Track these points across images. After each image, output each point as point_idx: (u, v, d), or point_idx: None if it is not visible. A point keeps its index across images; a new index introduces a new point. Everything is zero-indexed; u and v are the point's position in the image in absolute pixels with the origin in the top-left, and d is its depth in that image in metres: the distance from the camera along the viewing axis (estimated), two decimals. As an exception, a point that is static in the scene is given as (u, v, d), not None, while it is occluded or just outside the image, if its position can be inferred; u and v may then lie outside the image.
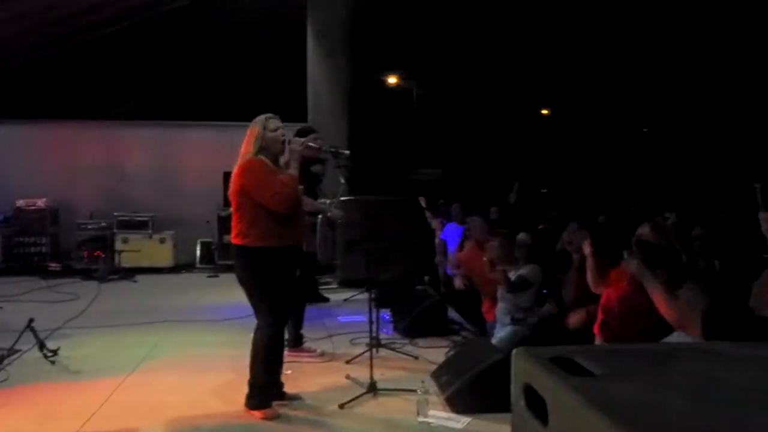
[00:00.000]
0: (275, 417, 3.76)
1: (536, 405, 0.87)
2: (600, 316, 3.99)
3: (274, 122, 3.89)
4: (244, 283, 3.82)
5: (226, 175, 10.17)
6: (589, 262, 4.35)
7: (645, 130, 27.61)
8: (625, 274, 3.95)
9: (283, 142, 3.86)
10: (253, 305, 3.85)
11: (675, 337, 3.31)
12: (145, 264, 9.81)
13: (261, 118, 3.90)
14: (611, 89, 23.41)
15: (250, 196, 3.73)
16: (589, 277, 4.38)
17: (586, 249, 4.39)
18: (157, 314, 6.58)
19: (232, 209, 3.88)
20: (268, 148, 3.83)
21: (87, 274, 9.30)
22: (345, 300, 7.49)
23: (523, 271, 5.22)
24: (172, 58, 19.16)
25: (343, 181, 5.33)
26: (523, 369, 0.91)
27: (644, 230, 4.16)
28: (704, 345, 1.39)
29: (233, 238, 3.84)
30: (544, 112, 28.69)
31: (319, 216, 5.03)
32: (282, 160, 3.86)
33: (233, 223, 3.85)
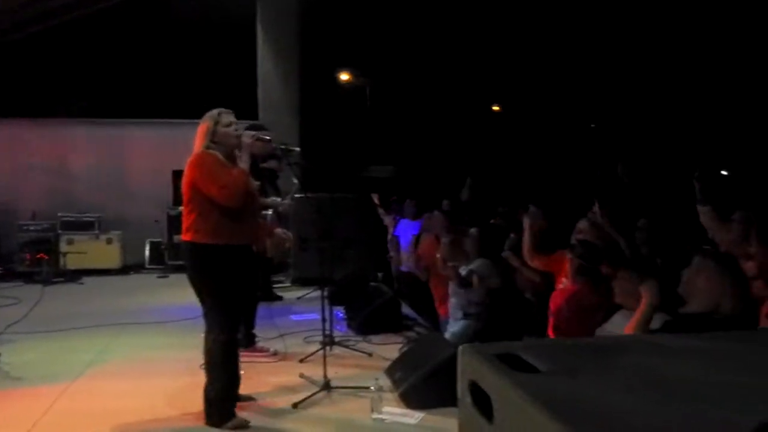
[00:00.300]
0: (244, 427, 3.60)
1: (482, 402, 0.86)
2: (552, 321, 4.04)
3: (227, 117, 3.77)
4: (194, 282, 3.65)
5: (176, 174, 10.06)
6: (527, 235, 4.43)
7: (593, 125, 28.23)
8: (563, 264, 4.05)
9: (238, 137, 3.76)
10: (204, 307, 3.67)
11: (618, 318, 3.41)
12: (91, 266, 9.53)
13: (213, 112, 3.77)
14: (561, 85, 23.86)
15: (199, 189, 3.59)
16: (525, 249, 4.50)
17: (526, 223, 4.47)
18: (104, 317, 6.40)
19: (183, 205, 3.75)
20: (221, 143, 3.70)
21: (30, 278, 8.98)
22: (298, 298, 7.44)
23: (473, 266, 5.27)
24: (119, 54, 18.68)
25: (295, 180, 5.27)
26: (468, 366, 0.90)
27: (583, 225, 4.24)
28: (647, 338, 1.42)
29: (183, 234, 3.68)
30: (495, 108, 29.05)
31: (269, 212, 4.96)
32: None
33: (183, 218, 3.71)
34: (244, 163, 3.69)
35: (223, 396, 3.61)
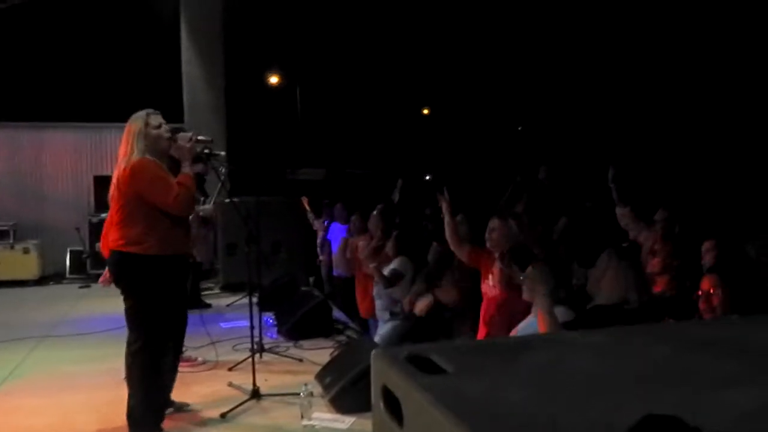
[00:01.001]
0: None
1: (393, 406, 0.87)
2: (484, 330, 4.10)
3: (156, 118, 3.62)
4: (129, 294, 3.47)
5: (98, 179, 9.70)
6: (447, 219, 4.47)
7: (520, 128, 28.95)
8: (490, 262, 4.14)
9: (169, 139, 3.63)
10: (132, 318, 3.49)
11: (531, 317, 3.52)
12: (6, 277, 9.07)
13: (141, 114, 3.60)
14: (489, 88, 24.35)
15: (145, 199, 3.43)
16: (448, 234, 4.48)
17: (445, 208, 4.50)
18: (21, 330, 6.10)
19: (113, 214, 3.54)
20: (151, 147, 3.54)
21: (-61, 290, 8.49)
22: (228, 305, 7.30)
23: (394, 264, 5.41)
24: (36, 54, 17.88)
25: (219, 183, 5.17)
26: (379, 370, 0.91)
27: (494, 223, 4.33)
28: (553, 335, 1.46)
29: (116, 245, 3.47)
30: (425, 111, 29.41)
31: (191, 216, 4.84)
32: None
33: (116, 228, 3.49)
34: (187, 168, 3.58)
35: (143, 408, 3.45)
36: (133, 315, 3.48)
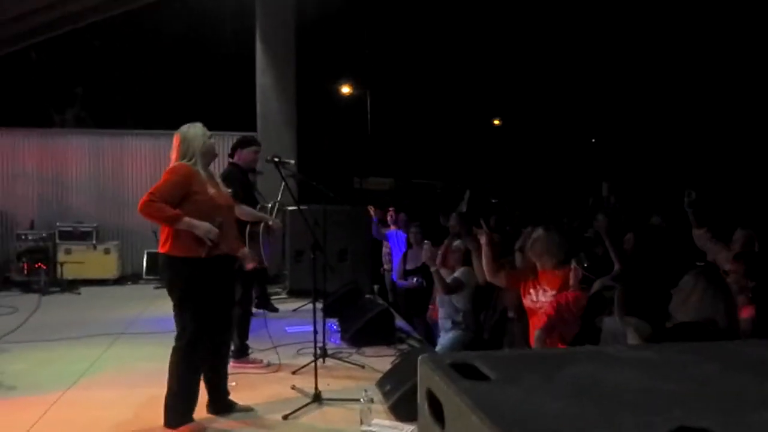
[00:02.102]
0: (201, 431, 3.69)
1: (436, 408, 0.90)
2: (543, 324, 4.02)
3: (205, 130, 3.90)
4: (172, 292, 3.74)
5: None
6: (485, 251, 4.41)
7: (593, 140, 28.30)
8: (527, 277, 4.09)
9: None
10: (176, 315, 3.77)
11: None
12: (88, 276, 9.55)
13: (198, 125, 3.90)
14: (561, 100, 23.95)
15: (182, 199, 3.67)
16: (485, 264, 4.38)
17: (482, 239, 4.44)
18: (100, 327, 6.42)
19: None
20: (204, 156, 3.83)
21: (27, 287, 9.00)
22: (294, 310, 7.44)
23: (457, 273, 5.45)
24: (117, 65, 18.82)
25: (286, 189, 5.30)
26: (425, 374, 0.94)
27: (538, 233, 4.26)
28: (599, 348, 1.45)
29: (161, 246, 3.75)
30: (496, 122, 29.16)
31: (261, 224, 4.99)
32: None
33: (161, 229, 3.76)
34: (190, 226, 3.67)
35: (178, 400, 3.68)
36: (176, 314, 3.75)
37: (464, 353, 1.01)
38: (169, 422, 3.65)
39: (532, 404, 0.78)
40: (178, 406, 3.68)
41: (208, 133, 3.89)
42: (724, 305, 2.90)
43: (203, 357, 3.82)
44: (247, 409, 4.04)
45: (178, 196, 3.65)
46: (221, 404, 3.99)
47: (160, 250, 3.76)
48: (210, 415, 3.95)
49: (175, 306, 3.75)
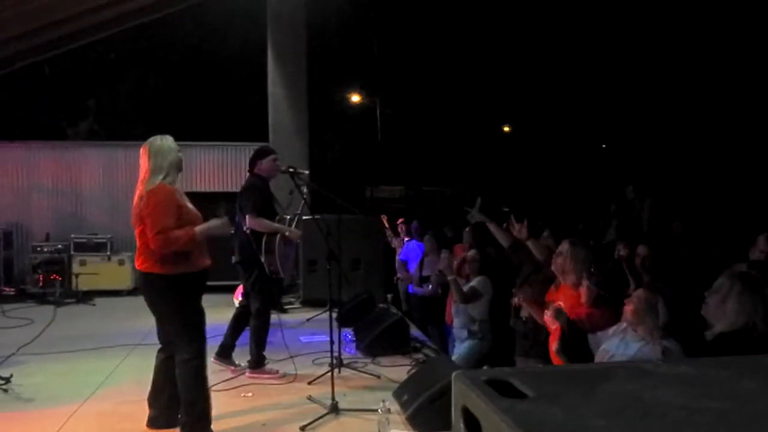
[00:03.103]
0: None
1: (473, 427, 0.89)
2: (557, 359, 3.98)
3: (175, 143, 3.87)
4: (162, 312, 3.72)
5: (186, 195, 10.13)
6: (533, 309, 4.34)
7: (604, 146, 28.18)
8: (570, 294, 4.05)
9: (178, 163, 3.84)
10: (174, 335, 3.74)
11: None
12: (103, 287, 9.59)
13: (169, 138, 3.86)
14: (571, 106, 23.89)
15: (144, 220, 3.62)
16: (536, 316, 4.30)
17: (519, 302, 4.42)
18: (116, 338, 6.45)
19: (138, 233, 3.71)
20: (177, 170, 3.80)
21: (42, 298, 9.05)
22: (308, 320, 7.44)
23: (474, 283, 5.44)
24: (130, 78, 18.97)
25: (303, 200, 5.31)
26: (460, 391, 0.93)
27: (563, 247, 4.23)
28: (636, 364, 1.44)
29: (142, 266, 3.69)
30: (506, 129, 29.13)
31: (278, 235, 5.00)
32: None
33: (141, 248, 3.69)
34: (200, 234, 3.68)
35: (197, 416, 3.64)
36: (173, 333, 3.76)
37: (499, 369, 1.00)
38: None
39: (575, 423, 0.77)
40: (202, 421, 3.67)
41: (177, 146, 3.86)
42: (762, 307, 2.86)
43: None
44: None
45: (175, 216, 3.63)
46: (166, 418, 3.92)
47: (143, 269, 3.69)
48: (228, 426, 3.96)
49: (171, 326, 3.73)
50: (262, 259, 4.92)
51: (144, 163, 3.76)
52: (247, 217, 4.96)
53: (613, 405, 0.82)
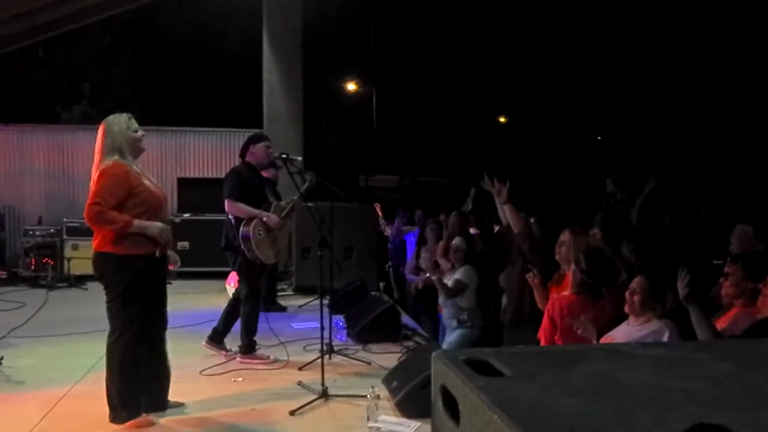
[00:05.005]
0: (149, 425, 3.68)
1: (450, 405, 0.90)
2: (547, 324, 4.02)
3: (134, 122, 3.85)
4: (115, 290, 3.69)
5: (181, 181, 10.12)
6: (537, 293, 4.35)
7: (599, 138, 28.20)
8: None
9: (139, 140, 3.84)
10: (113, 313, 3.75)
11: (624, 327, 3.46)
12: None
13: (123, 116, 3.84)
14: (567, 97, 23.87)
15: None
16: (539, 301, 4.35)
17: (533, 281, 4.41)
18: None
19: None
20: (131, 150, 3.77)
21: (35, 282, 9.04)
22: (300, 307, 7.46)
23: (458, 274, 5.43)
24: (123, 62, 18.86)
25: (299, 186, 5.30)
26: (439, 370, 0.94)
27: (564, 236, 4.24)
28: (612, 345, 1.45)
29: (97, 245, 3.67)
30: (502, 119, 29.11)
31: (254, 221, 4.96)
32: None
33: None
34: (144, 228, 3.65)
35: (122, 397, 3.66)
36: (112, 311, 3.75)
37: (478, 350, 1.02)
38: (119, 418, 3.66)
39: (549, 401, 0.78)
40: (129, 401, 3.67)
41: (135, 126, 3.82)
42: None
43: (146, 353, 3.80)
44: (178, 405, 4.00)
45: (122, 196, 3.60)
46: (158, 402, 3.93)
47: (101, 248, 3.67)
48: (219, 410, 3.98)
49: (114, 303, 3.71)
50: (241, 246, 4.91)
51: (98, 144, 3.76)
52: (225, 201, 4.96)
53: (587, 384, 0.84)
